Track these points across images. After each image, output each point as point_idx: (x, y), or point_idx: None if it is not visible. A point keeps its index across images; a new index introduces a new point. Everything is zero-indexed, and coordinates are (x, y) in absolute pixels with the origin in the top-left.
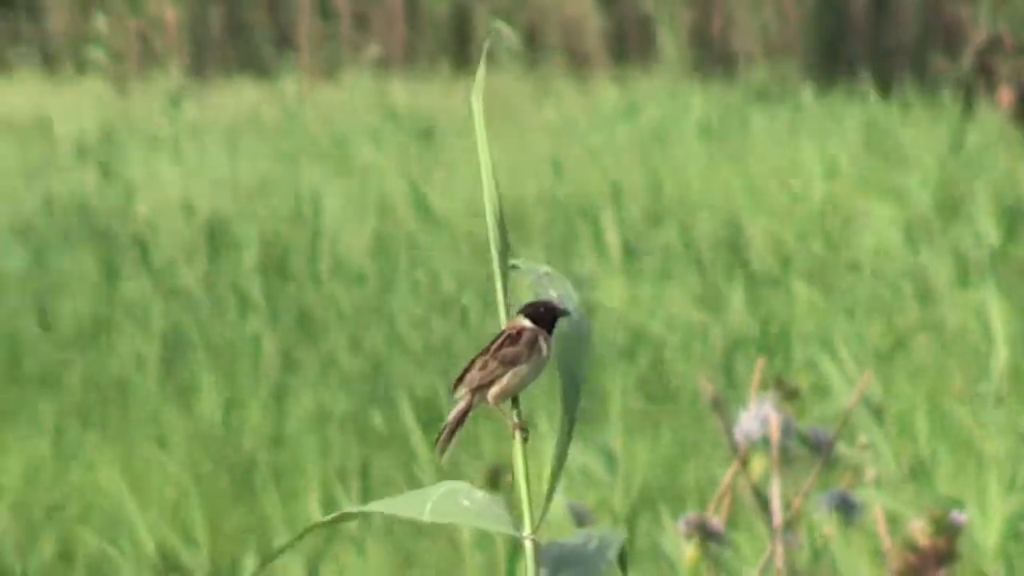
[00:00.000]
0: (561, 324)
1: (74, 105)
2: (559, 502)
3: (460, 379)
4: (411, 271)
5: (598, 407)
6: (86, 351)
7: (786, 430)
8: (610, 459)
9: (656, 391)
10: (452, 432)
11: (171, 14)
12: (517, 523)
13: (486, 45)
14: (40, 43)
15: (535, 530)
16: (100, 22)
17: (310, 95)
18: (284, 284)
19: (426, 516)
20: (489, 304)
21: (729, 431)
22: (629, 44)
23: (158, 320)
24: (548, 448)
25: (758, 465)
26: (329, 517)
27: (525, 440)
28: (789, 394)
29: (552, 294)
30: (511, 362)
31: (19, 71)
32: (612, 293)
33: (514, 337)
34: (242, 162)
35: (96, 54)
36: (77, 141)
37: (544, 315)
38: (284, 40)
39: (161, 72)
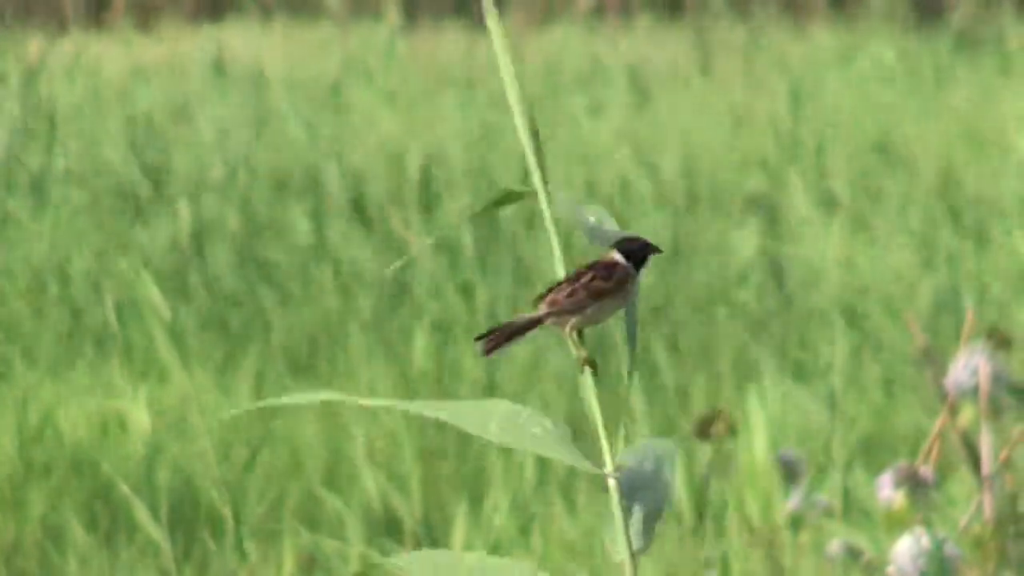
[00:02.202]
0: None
1: (292, 51)
2: (765, 452)
3: (543, 296)
4: (624, 223)
5: (813, 359)
6: (296, 299)
7: (996, 379)
8: (831, 398)
9: (868, 341)
10: (511, 336)
11: None
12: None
13: None
14: None
15: (617, 468)
16: None
17: (521, 43)
18: (496, 234)
19: (493, 437)
20: (700, 256)
21: (939, 381)
22: None
23: (369, 269)
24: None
25: (967, 415)
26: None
27: (595, 373)
28: (1001, 343)
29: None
30: (598, 295)
31: (234, 18)
32: (824, 243)
33: (607, 271)
34: (454, 110)
35: None
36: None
37: (637, 252)
38: None
39: (374, 18)
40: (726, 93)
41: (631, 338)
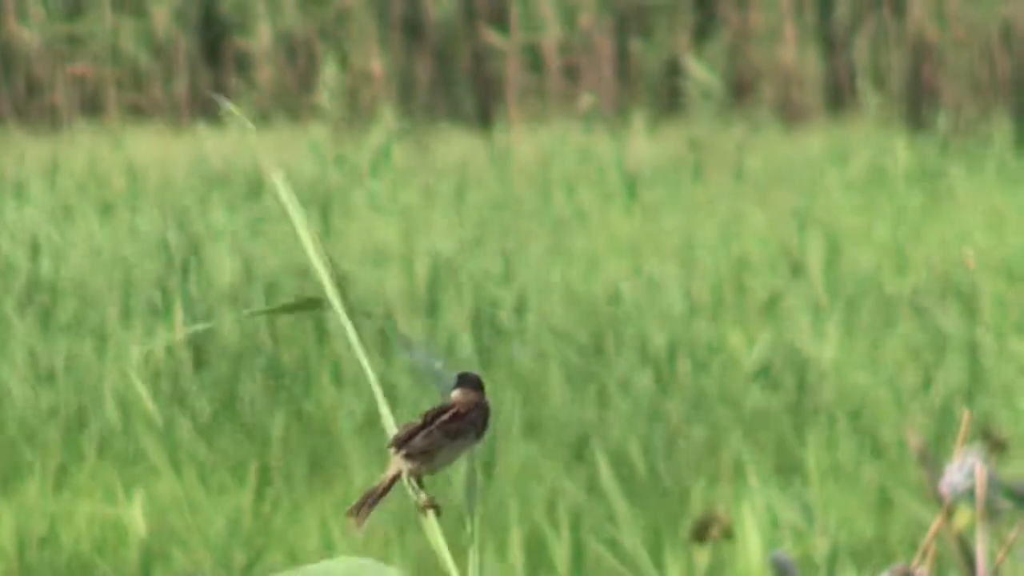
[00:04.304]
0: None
1: (288, 156)
2: (761, 555)
3: (397, 441)
4: (620, 330)
5: (801, 457)
6: (291, 404)
7: (992, 482)
8: (807, 510)
9: (864, 443)
10: (375, 501)
11: (378, 66)
12: None
13: None
14: (249, 96)
15: None
16: (328, 71)
17: (518, 145)
18: (496, 340)
19: None
20: (702, 365)
21: (934, 483)
22: (843, 94)
23: (364, 374)
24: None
25: (963, 517)
26: None
27: (438, 515)
28: (996, 445)
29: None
30: (454, 436)
31: (229, 125)
32: (823, 345)
33: (462, 412)
34: (453, 215)
35: (323, 99)
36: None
37: (476, 382)
38: (491, 92)
39: (372, 123)
40: (720, 196)
41: (471, 476)
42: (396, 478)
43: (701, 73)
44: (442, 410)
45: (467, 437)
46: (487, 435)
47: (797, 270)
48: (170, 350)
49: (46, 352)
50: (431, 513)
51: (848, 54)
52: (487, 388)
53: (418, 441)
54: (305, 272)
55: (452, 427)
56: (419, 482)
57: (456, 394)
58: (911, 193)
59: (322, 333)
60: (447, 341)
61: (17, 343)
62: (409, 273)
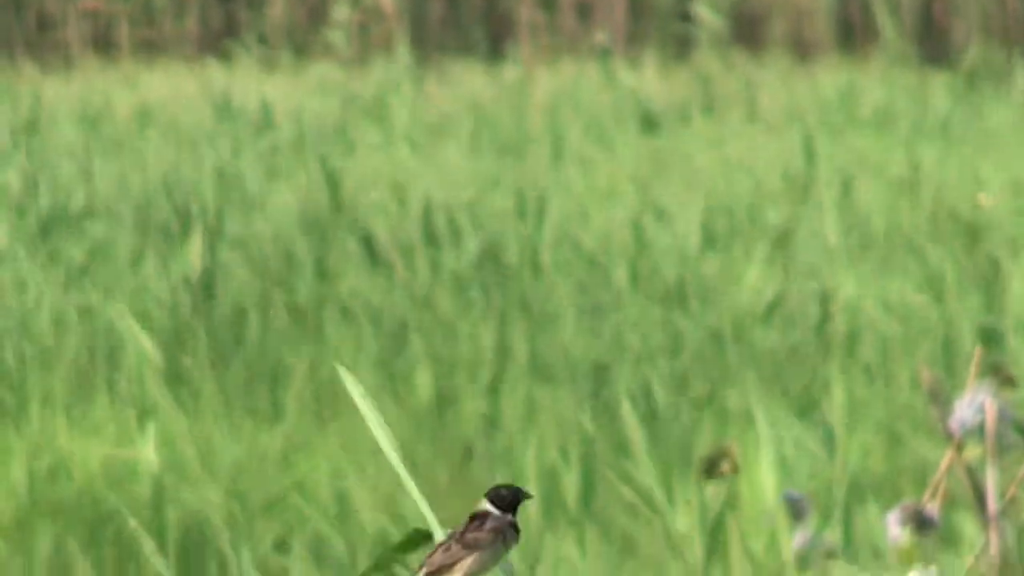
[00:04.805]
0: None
1: (298, 93)
2: (774, 490)
3: (422, 564)
4: (634, 265)
5: (819, 392)
6: (305, 341)
7: (1002, 417)
8: (830, 440)
9: (876, 377)
10: None
11: (389, 2)
12: None
13: None
14: (259, 32)
15: None
16: (340, 7)
17: (531, 81)
18: (504, 277)
19: None
20: (714, 299)
21: (945, 419)
22: (855, 30)
23: (376, 310)
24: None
25: (973, 453)
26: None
27: None
28: (1006, 382)
29: None
30: (472, 546)
31: (240, 60)
32: (836, 281)
33: (480, 523)
34: (464, 153)
35: (334, 35)
36: (303, 128)
37: (507, 499)
38: (502, 30)
39: (383, 60)
40: (733, 133)
41: None
42: None
43: (708, 13)
44: (463, 526)
45: (492, 546)
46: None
47: (810, 206)
48: (179, 287)
49: (57, 288)
50: None
51: None
52: None
53: (437, 557)
54: (316, 214)
55: (470, 538)
56: None
57: (481, 508)
58: (924, 130)
59: (325, 272)
60: (457, 278)
61: (28, 280)
62: (421, 209)
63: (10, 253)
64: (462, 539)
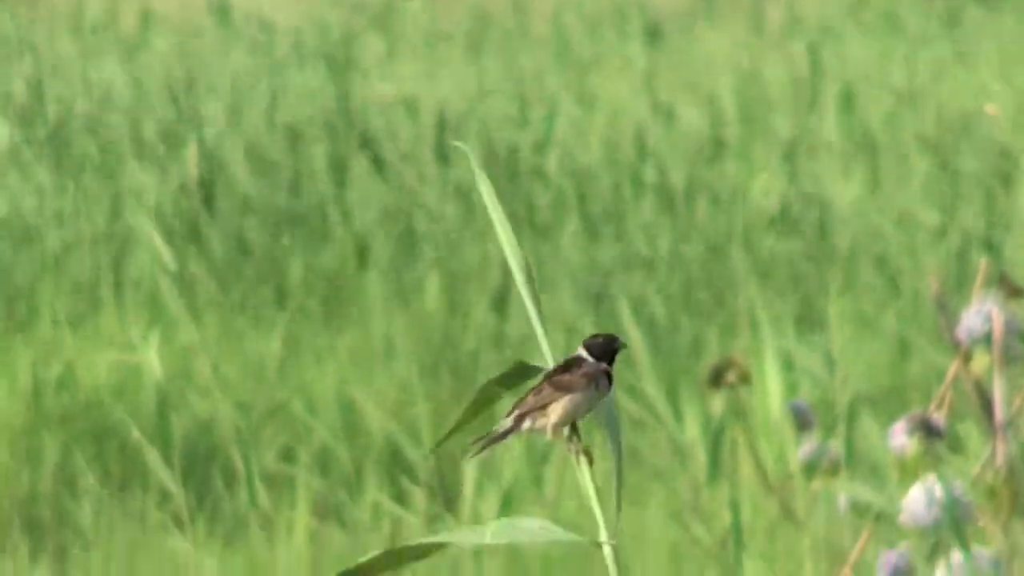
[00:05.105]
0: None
1: (304, 3)
2: (780, 401)
3: (515, 405)
4: (639, 173)
5: (821, 305)
6: (311, 247)
7: (1009, 328)
8: (828, 358)
9: (881, 288)
10: (491, 443)
11: None
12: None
13: None
14: None
15: (613, 536)
16: None
17: None
18: (512, 184)
19: (488, 539)
20: (720, 208)
21: (952, 329)
22: None
23: (386, 217)
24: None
25: (980, 363)
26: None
27: (591, 464)
28: (1013, 291)
29: None
30: (565, 389)
31: None
32: (841, 189)
33: (570, 367)
34: (469, 60)
35: None
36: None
37: (603, 347)
38: None
39: None
40: (738, 43)
41: (613, 438)
42: (509, 432)
43: None
44: (561, 365)
45: (585, 390)
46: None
47: (815, 115)
48: (182, 192)
49: (61, 192)
50: (583, 460)
51: None
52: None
53: (530, 399)
54: (331, 118)
55: (563, 381)
56: (574, 429)
57: (582, 352)
58: (931, 38)
59: (342, 173)
60: (462, 186)
61: (32, 183)
62: (428, 118)
63: (15, 158)
64: (554, 382)
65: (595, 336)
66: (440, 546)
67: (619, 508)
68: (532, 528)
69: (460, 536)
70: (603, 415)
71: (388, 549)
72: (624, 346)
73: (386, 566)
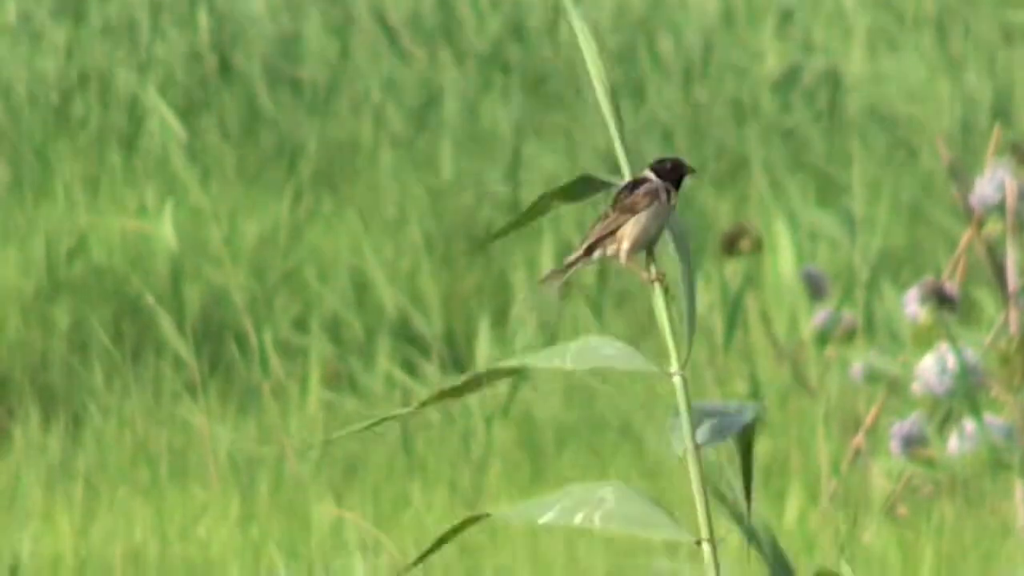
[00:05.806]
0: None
1: None
2: (793, 268)
3: (585, 236)
4: (653, 40)
5: (839, 174)
6: (323, 116)
7: (1022, 196)
8: (850, 222)
9: (894, 158)
10: (565, 270)
11: None
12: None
13: None
14: None
15: (683, 366)
16: None
17: None
18: (524, 52)
19: (568, 364)
20: (733, 75)
21: (965, 196)
22: None
23: (398, 88)
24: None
25: (993, 230)
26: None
27: (666, 290)
28: None
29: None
30: (628, 211)
31: None
32: (853, 60)
33: (633, 187)
34: None
35: None
36: None
37: (670, 170)
38: None
39: None
40: None
41: (683, 255)
42: (584, 256)
43: None
44: (626, 186)
45: (650, 207)
46: (676, 198)
47: None
48: (194, 58)
49: (76, 57)
50: (656, 286)
51: None
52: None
53: (596, 228)
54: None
55: (625, 203)
56: (650, 254)
57: (648, 173)
58: None
59: (347, 50)
60: (470, 65)
61: (48, 48)
62: None
63: (26, 25)
64: (617, 206)
65: (662, 159)
66: (514, 371)
67: (693, 332)
68: (610, 353)
69: (539, 358)
70: (671, 233)
71: (466, 377)
72: (692, 170)
73: (451, 394)
